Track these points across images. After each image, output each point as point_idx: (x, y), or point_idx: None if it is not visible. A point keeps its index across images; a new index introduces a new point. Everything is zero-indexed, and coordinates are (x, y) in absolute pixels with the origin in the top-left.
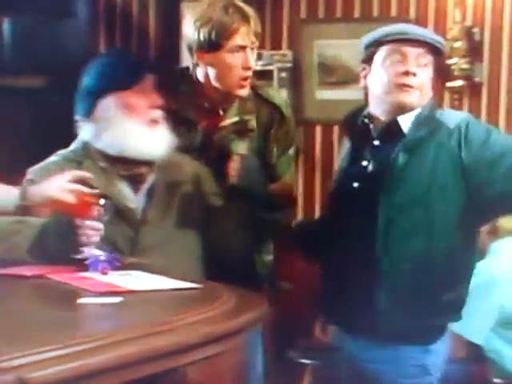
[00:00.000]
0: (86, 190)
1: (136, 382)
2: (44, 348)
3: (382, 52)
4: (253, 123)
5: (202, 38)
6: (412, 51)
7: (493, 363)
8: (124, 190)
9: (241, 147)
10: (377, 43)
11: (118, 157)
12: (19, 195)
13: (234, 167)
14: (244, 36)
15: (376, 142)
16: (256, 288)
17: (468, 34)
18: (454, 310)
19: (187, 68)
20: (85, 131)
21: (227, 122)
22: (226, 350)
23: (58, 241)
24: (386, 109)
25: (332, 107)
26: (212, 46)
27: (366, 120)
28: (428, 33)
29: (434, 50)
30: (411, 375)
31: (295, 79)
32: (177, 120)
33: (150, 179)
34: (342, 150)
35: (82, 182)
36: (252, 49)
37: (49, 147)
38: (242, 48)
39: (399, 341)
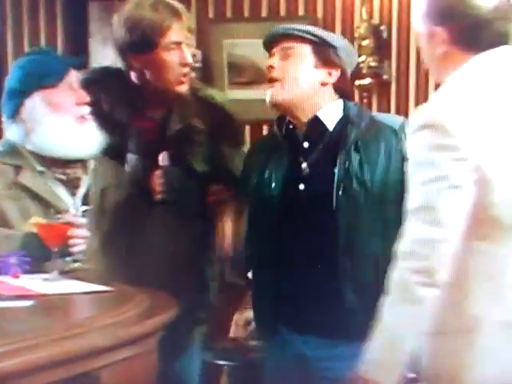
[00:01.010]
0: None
1: None
2: None
3: None
4: (197, 126)
5: (134, 38)
6: (278, 47)
7: None
8: (62, 194)
9: (192, 154)
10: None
11: (52, 158)
12: None
13: (158, 182)
14: (178, 32)
15: (305, 144)
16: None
17: (375, 32)
18: None
19: (121, 69)
20: (12, 132)
21: (171, 131)
22: (140, 353)
23: (39, 251)
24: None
25: (242, 107)
26: (146, 45)
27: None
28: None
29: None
30: None
31: (205, 79)
32: (108, 120)
33: (85, 183)
34: (252, 155)
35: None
36: (187, 45)
37: None
38: (177, 44)
39: (358, 338)
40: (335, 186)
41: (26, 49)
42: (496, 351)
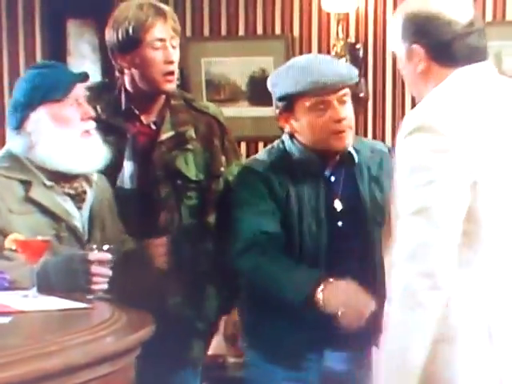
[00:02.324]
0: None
1: None
2: None
3: (303, 102)
4: (190, 133)
5: (120, 37)
6: (334, 97)
7: None
8: (70, 208)
9: (184, 162)
10: (295, 95)
11: (58, 172)
12: None
13: (159, 252)
14: (161, 29)
15: (332, 178)
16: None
17: (351, 50)
18: None
19: (107, 81)
20: (15, 144)
21: (164, 137)
22: (117, 370)
23: (59, 277)
24: (321, 150)
25: None
26: (131, 42)
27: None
28: (342, 70)
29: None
30: None
31: None
32: (104, 129)
33: (91, 197)
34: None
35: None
36: (172, 44)
37: None
38: (162, 41)
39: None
40: (368, 218)
41: (5, 65)
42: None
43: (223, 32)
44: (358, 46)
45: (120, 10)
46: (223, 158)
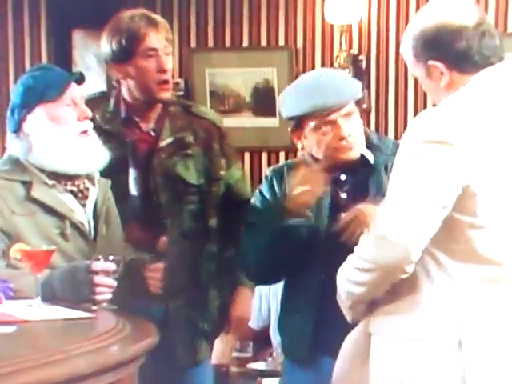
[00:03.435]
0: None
1: None
2: None
3: (308, 123)
4: (189, 139)
5: (114, 48)
6: (337, 115)
7: None
8: (74, 205)
9: (184, 167)
10: (300, 117)
11: (57, 173)
12: None
13: (154, 277)
14: (153, 39)
15: (342, 177)
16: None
17: (354, 61)
18: None
19: (105, 91)
20: (15, 147)
21: (163, 143)
22: (121, 379)
23: (63, 287)
24: (330, 164)
25: None
26: (124, 53)
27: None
28: (344, 89)
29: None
30: None
31: None
32: (105, 137)
33: (94, 194)
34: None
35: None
36: (166, 53)
37: None
38: (154, 51)
39: None
40: None
41: (11, 76)
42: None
43: (227, 43)
44: (360, 58)
45: (113, 22)
46: (223, 162)
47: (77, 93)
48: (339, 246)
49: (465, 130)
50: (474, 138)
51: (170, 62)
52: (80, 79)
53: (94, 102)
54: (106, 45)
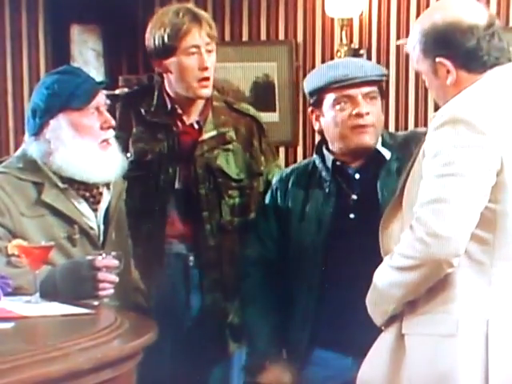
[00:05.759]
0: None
1: None
2: None
3: (329, 98)
4: (231, 134)
5: (157, 43)
6: (358, 92)
7: None
8: (85, 210)
9: (225, 161)
10: (321, 90)
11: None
12: None
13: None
14: (196, 36)
15: (357, 176)
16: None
17: (355, 55)
18: None
19: (147, 85)
20: (33, 149)
21: (205, 136)
22: (119, 375)
23: (65, 283)
24: (345, 150)
25: None
26: (167, 49)
27: (335, 163)
28: (368, 67)
29: (378, 81)
30: None
31: None
32: (146, 124)
33: (107, 198)
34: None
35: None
36: (208, 50)
37: None
38: (196, 48)
39: None
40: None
41: (9, 71)
42: None
43: (227, 37)
44: (361, 52)
45: (158, 16)
46: (262, 158)
47: (102, 100)
48: (341, 246)
49: (493, 120)
50: (502, 127)
51: (213, 58)
52: (109, 86)
53: (137, 95)
54: (149, 38)
